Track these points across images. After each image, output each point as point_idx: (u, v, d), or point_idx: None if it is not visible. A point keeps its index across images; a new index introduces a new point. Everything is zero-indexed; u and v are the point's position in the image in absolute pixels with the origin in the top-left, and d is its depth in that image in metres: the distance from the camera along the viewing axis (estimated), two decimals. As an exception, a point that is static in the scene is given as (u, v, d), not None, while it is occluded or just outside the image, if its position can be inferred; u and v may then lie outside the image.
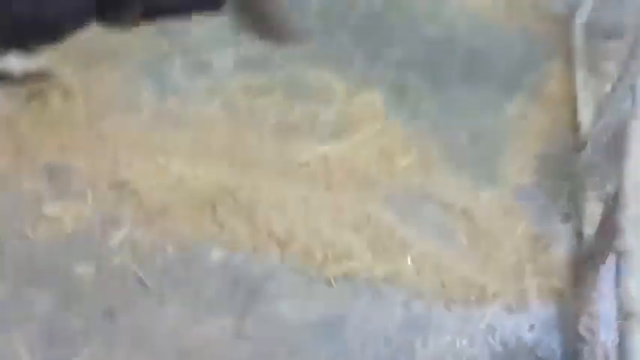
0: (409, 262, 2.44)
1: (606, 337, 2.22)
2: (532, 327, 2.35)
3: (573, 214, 2.70)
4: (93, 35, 3.12)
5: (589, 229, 2.55)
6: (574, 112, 3.23)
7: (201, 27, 3.37)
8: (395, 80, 3.30)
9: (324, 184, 2.70)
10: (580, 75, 3.44)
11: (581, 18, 3.80)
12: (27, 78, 2.76)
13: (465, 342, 2.28)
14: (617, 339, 1.57)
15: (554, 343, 2.31)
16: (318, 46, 3.42)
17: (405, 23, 3.71)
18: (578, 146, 2.99)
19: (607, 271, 2.27)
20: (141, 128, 2.75)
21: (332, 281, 2.34)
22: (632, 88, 2.23)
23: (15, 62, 2.74)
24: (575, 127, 3.14)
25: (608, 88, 3.22)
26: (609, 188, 2.49)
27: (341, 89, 3.17)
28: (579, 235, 2.59)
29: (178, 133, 2.77)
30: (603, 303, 2.22)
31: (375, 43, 3.51)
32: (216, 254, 2.37)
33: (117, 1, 3.15)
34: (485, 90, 3.37)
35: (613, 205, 2.24)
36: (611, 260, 2.27)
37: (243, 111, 2.95)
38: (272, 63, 3.24)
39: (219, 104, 2.96)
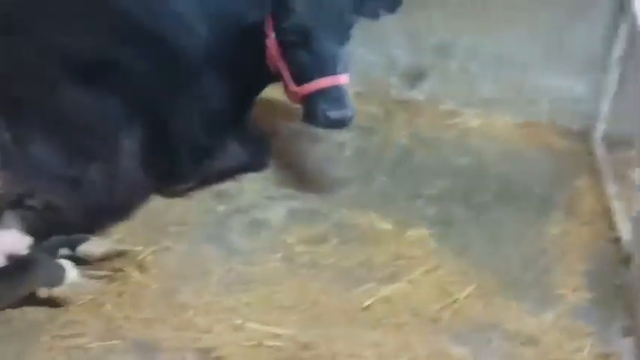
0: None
1: None
2: None
3: (633, 327, 2.82)
4: (155, 206, 3.37)
5: (652, 342, 2.68)
6: (611, 224, 3.42)
7: (251, 186, 3.62)
8: (437, 214, 3.52)
9: (392, 326, 2.84)
10: (609, 187, 3.66)
11: (599, 131, 4.07)
12: (105, 258, 2.97)
13: None
14: None
15: None
16: (360, 191, 3.66)
17: (436, 157, 3.98)
18: (624, 259, 3.15)
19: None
20: (214, 293, 2.92)
21: None
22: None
23: (93, 246, 2.96)
24: (616, 240, 3.31)
25: (639, 197, 3.42)
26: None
27: (389, 230, 3.37)
28: (644, 348, 2.71)
29: (249, 292, 2.94)
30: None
31: (411, 181, 3.76)
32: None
33: (175, 175, 3.42)
34: (523, 212, 3.58)
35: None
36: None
37: (304, 262, 3.13)
38: (321, 212, 3.46)
39: (281, 259, 3.15)
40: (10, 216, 2.76)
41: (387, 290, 2.99)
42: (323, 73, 3.36)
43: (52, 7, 3.21)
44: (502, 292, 3.03)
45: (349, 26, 3.45)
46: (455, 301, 2.96)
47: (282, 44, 3.44)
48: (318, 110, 3.36)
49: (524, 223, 3.50)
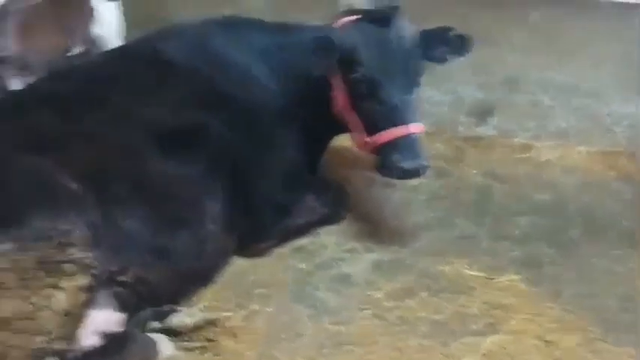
0: None
1: None
2: None
3: None
4: (237, 268, 3.34)
5: None
6: None
7: (329, 239, 3.57)
8: (524, 256, 3.42)
9: (498, 382, 2.75)
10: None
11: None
12: (196, 328, 2.95)
13: None
14: None
15: None
16: (441, 236, 3.58)
17: (514, 195, 3.88)
18: None
19: None
20: (307, 357, 2.86)
21: None
22: None
23: (184, 316, 2.95)
24: None
25: None
26: None
27: (478, 277, 3.28)
28: None
29: (343, 354, 2.88)
30: None
31: (492, 222, 3.67)
32: None
33: (257, 234, 3.39)
34: (611, 247, 3.47)
35: None
36: None
37: (395, 318, 3.06)
38: (405, 262, 3.39)
39: (371, 316, 3.08)
40: (102, 294, 2.76)
41: (486, 343, 2.89)
42: (393, 123, 3.30)
43: (128, 78, 3.25)
44: (604, 337, 2.92)
45: (418, 73, 3.40)
46: (558, 350, 2.85)
47: (350, 95, 3.41)
48: (390, 162, 3.29)
49: (615, 259, 3.38)
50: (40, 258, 2.54)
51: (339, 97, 3.44)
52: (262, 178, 3.39)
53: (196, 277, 3.11)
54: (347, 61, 3.35)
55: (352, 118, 3.43)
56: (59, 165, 2.76)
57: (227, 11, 3.95)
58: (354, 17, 3.43)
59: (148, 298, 2.92)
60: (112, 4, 3.97)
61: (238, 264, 3.36)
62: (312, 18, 3.93)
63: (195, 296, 3.13)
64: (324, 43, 3.34)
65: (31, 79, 3.46)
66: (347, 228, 3.65)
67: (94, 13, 3.85)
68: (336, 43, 3.34)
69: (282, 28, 3.71)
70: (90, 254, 2.61)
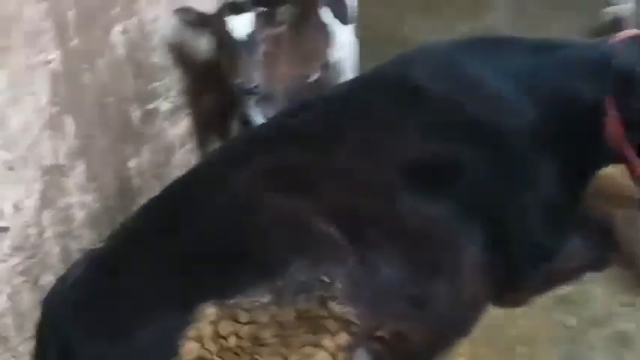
0: None
1: None
2: None
3: None
4: (494, 320, 2.97)
5: None
6: None
7: (597, 289, 3.11)
8: None
9: None
10: None
11: None
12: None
13: None
14: None
15: None
16: None
17: None
18: None
19: None
20: None
21: None
22: None
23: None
24: None
25: None
26: None
27: None
28: None
29: None
30: None
31: None
32: None
33: (515, 281, 3.00)
34: None
35: None
36: None
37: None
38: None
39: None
40: (360, 353, 2.50)
41: None
42: (682, 156, 2.79)
43: (375, 108, 2.99)
44: None
45: None
46: None
47: (627, 122, 2.92)
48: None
49: None
50: (300, 312, 2.33)
51: (613, 124, 2.95)
52: (520, 216, 2.98)
53: (453, 330, 2.79)
54: (625, 83, 2.87)
55: (629, 149, 2.94)
56: (315, 208, 2.55)
57: (463, 28, 3.62)
58: (635, 31, 2.95)
59: (405, 355, 2.64)
60: (349, 27, 3.78)
61: (495, 315, 2.98)
62: (568, 32, 3.48)
63: (448, 351, 2.81)
64: (593, 62, 2.90)
65: (271, 110, 3.33)
66: (615, 275, 3.15)
67: (332, 37, 3.68)
68: (611, 61, 2.88)
69: (541, 46, 3.26)
70: (351, 309, 2.36)
